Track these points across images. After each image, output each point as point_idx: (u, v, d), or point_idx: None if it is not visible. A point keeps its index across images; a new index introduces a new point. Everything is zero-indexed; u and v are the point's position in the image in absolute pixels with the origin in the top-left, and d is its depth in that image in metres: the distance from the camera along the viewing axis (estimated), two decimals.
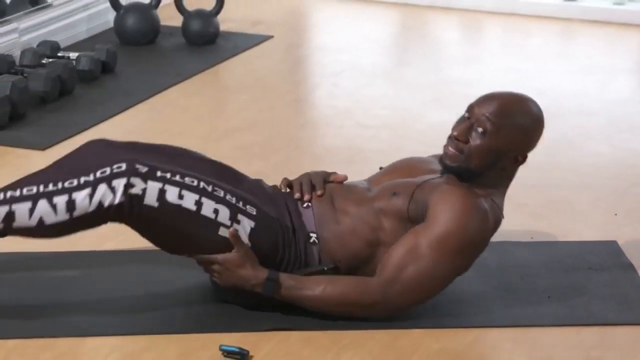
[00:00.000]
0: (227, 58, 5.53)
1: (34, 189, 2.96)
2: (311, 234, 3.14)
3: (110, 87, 5.07)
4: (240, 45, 5.69)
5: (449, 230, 3.02)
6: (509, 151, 3.10)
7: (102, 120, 4.65)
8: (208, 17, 5.73)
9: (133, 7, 5.70)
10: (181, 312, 3.16)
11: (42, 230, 2.97)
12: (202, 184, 3.02)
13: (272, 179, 3.35)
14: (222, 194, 3.04)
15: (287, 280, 3.04)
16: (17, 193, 2.95)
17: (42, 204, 2.94)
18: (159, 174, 2.98)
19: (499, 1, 6.35)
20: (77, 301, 3.17)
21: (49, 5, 5.61)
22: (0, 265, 3.39)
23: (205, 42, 5.71)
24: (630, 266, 3.47)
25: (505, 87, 5.12)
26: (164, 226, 3.00)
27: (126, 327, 3.08)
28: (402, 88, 5.22)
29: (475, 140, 3.09)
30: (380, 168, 3.38)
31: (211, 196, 3.02)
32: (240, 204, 3.06)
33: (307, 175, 3.29)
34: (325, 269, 3.12)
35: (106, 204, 2.93)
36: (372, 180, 3.31)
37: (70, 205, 2.94)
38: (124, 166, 2.96)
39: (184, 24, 5.73)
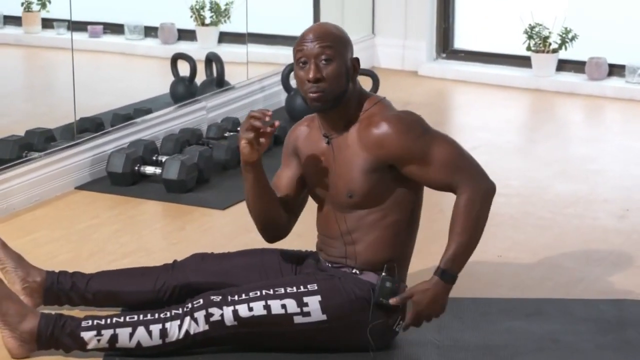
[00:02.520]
0: None
1: (135, 317, 3.04)
2: (353, 270, 3.09)
3: (281, 157, 5.10)
4: None
5: (411, 136, 3.01)
6: (348, 61, 3.05)
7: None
8: None
9: None
10: None
11: (139, 351, 3.04)
12: (264, 292, 3.04)
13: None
14: (282, 290, 3.05)
15: (444, 260, 3.00)
16: (121, 319, 3.04)
17: (140, 330, 3.02)
18: (229, 298, 3.04)
19: (619, 88, 6.24)
20: None
21: (232, 88, 5.72)
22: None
23: None
24: None
25: (624, 164, 5.04)
26: (249, 336, 3.04)
27: None
28: (532, 162, 5.16)
29: (327, 71, 3.01)
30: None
31: (274, 296, 3.04)
32: (301, 288, 3.05)
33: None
34: (383, 274, 3.06)
35: (192, 332, 3.01)
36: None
37: (163, 332, 3.02)
38: (201, 301, 3.04)
39: None
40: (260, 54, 6.07)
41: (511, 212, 4.41)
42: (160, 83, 5.54)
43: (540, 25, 6.38)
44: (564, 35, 6.34)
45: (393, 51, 6.86)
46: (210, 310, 3.01)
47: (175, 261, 3.33)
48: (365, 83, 5.89)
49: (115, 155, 4.63)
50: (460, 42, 6.83)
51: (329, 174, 3.12)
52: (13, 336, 3.05)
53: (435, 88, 6.51)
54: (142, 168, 4.66)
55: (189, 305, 3.04)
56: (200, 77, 5.62)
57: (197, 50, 5.72)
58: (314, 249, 3.28)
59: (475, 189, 3.01)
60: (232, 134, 5.15)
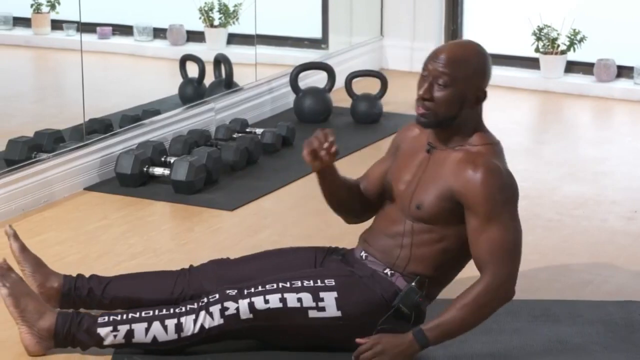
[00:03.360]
0: (388, 135, 5.53)
1: (150, 312, 3.06)
2: (386, 271, 3.08)
3: (289, 158, 5.12)
4: (400, 124, 5.65)
5: (492, 197, 2.95)
6: (469, 93, 3.01)
7: (281, 187, 4.70)
8: (373, 100, 5.76)
9: (310, 90, 5.77)
10: None
11: (155, 346, 3.06)
12: (280, 284, 3.05)
13: None
14: (299, 284, 3.05)
15: (428, 323, 2.98)
16: (137, 315, 3.05)
17: (156, 325, 3.04)
18: (245, 292, 3.04)
19: (627, 90, 6.23)
20: None
21: (241, 89, 5.72)
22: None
23: (371, 121, 5.73)
24: None
25: (632, 165, 5.03)
26: (263, 330, 3.05)
27: None
28: (541, 164, 5.15)
29: (438, 94, 3.00)
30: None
31: (290, 290, 3.04)
32: (318, 282, 3.05)
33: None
34: (413, 284, 3.05)
35: (207, 326, 3.02)
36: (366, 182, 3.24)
37: (179, 327, 3.04)
38: (217, 296, 3.05)
39: (353, 105, 5.77)
40: (268, 56, 6.07)
41: (520, 213, 4.39)
42: (169, 84, 5.54)
43: (549, 26, 6.38)
44: (572, 37, 6.33)
45: (401, 52, 6.86)
46: (226, 304, 3.01)
47: (191, 266, 3.32)
48: (374, 84, 5.91)
49: (123, 156, 4.64)
50: None
51: (413, 178, 3.11)
52: (31, 333, 3.07)
53: None
54: (150, 169, 4.67)
55: (205, 300, 3.05)
56: (209, 79, 5.62)
57: (206, 51, 5.73)
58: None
59: (498, 283, 2.96)
60: (240, 135, 5.15)
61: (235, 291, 3.04)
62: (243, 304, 3.02)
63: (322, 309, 3.02)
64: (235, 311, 3.01)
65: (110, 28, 5.62)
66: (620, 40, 6.34)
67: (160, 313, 3.05)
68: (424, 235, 3.05)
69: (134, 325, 3.03)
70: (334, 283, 3.04)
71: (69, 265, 3.62)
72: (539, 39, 6.41)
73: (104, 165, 4.73)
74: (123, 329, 3.03)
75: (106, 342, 3.05)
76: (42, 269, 3.30)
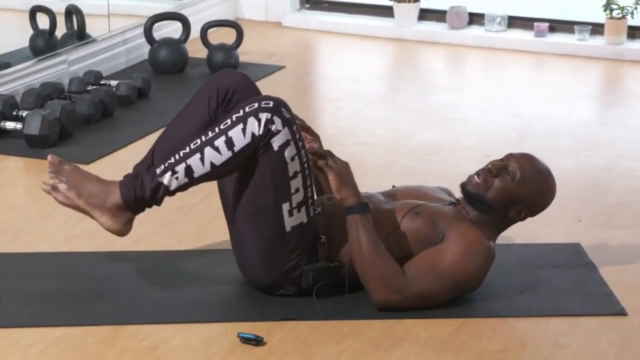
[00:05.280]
0: None
1: (198, 142, 2.99)
2: (322, 236, 3.12)
3: (145, 110, 5.06)
4: (256, 74, 5.68)
5: (460, 265, 3.05)
6: (522, 203, 3.14)
7: (139, 138, 4.64)
8: (229, 50, 5.72)
9: (165, 41, 5.69)
10: (205, 304, 3.15)
11: (217, 171, 3.00)
12: (306, 164, 3.06)
13: None
14: (308, 182, 3.07)
15: (369, 218, 3.06)
16: (187, 149, 2.99)
17: (208, 151, 2.98)
18: (294, 128, 3.02)
19: (478, 36, 6.34)
20: (115, 294, 3.15)
21: (94, 40, 5.60)
22: (48, 263, 3.38)
23: None
24: (591, 265, 3.46)
25: (484, 111, 5.14)
26: (260, 168, 3.00)
27: (158, 316, 3.07)
28: (396, 111, 5.21)
29: (502, 181, 3.12)
30: (393, 186, 3.37)
31: (303, 178, 3.04)
32: (310, 202, 3.08)
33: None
34: (332, 265, 3.10)
35: (257, 133, 2.96)
36: (385, 195, 3.29)
37: (230, 142, 2.97)
38: (271, 103, 2.99)
39: (209, 56, 5.72)
40: (122, 6, 5.96)
41: (376, 160, 4.45)
42: (19, 37, 5.39)
43: None
44: None
45: (256, 2, 6.82)
46: (275, 118, 2.96)
47: (216, 80, 3.20)
48: (229, 34, 5.87)
49: None
50: None
51: (426, 193, 3.27)
52: (105, 214, 3.03)
53: (300, 39, 6.51)
54: (2, 123, 4.54)
55: (255, 104, 2.97)
56: (61, 31, 5.49)
57: (57, 2, 5.58)
58: None
59: (403, 284, 3.04)
60: (94, 87, 5.06)
61: (289, 116, 2.99)
62: (285, 133, 2.97)
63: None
64: (275, 131, 2.96)
65: None
66: None
67: (207, 137, 2.98)
68: (402, 240, 3.12)
69: (189, 161, 2.98)
70: (312, 215, 3.08)
71: None
72: None
73: None
74: (180, 168, 2.98)
75: (172, 188, 3.00)
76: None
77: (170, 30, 5.93)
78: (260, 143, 2.97)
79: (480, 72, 6.05)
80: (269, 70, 5.77)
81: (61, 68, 5.27)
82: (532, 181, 3.13)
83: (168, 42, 5.69)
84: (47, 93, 4.86)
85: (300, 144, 3.03)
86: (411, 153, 4.55)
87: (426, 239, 3.11)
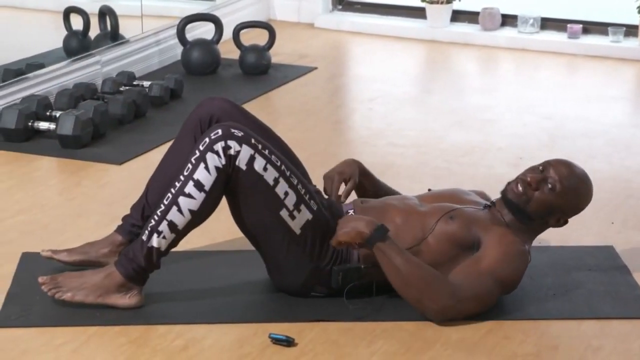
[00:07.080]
0: (277, 86, 5.53)
1: (169, 195, 3.01)
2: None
3: (178, 110, 5.07)
4: (289, 75, 5.69)
5: (500, 268, 3.05)
6: (560, 212, 3.16)
7: (170, 140, 4.63)
8: (261, 51, 5.73)
9: (197, 42, 5.71)
10: (237, 305, 3.15)
11: (197, 217, 3.02)
12: (283, 167, 3.04)
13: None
14: (295, 181, 3.05)
15: (392, 238, 3.02)
16: (162, 207, 3.01)
17: (182, 200, 2.99)
18: (252, 141, 3.01)
19: (511, 38, 6.32)
20: (147, 294, 3.17)
21: (127, 41, 5.63)
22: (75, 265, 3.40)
23: (259, 72, 5.70)
24: (624, 268, 3.44)
25: (516, 113, 5.12)
26: (242, 191, 3.01)
27: (190, 316, 3.08)
28: (428, 113, 5.20)
29: (543, 193, 3.12)
30: (429, 190, 3.36)
31: (287, 180, 3.03)
32: (307, 197, 3.07)
33: (337, 173, 3.31)
34: (362, 267, 3.10)
35: (220, 165, 2.97)
36: (421, 198, 3.28)
37: (199, 185, 2.98)
38: (220, 131, 2.99)
39: (241, 57, 5.73)
40: (155, 7, 5.99)
41: (408, 162, 4.44)
42: (53, 37, 5.42)
43: None
44: None
45: (289, 3, 6.83)
46: (229, 142, 2.96)
47: (202, 119, 3.26)
48: (262, 36, 5.88)
49: (7, 111, 4.54)
50: None
51: (461, 197, 3.25)
52: (117, 297, 3.06)
53: (332, 40, 6.51)
54: (35, 124, 4.58)
55: (206, 139, 2.98)
56: (94, 31, 5.52)
57: (90, 3, 5.62)
58: None
59: (451, 294, 3.00)
60: (127, 88, 5.08)
61: (242, 133, 2.98)
62: (246, 150, 2.97)
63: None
64: (234, 153, 2.96)
65: None
66: None
67: (176, 188, 2.99)
68: (434, 245, 3.11)
69: (168, 217, 2.99)
70: (315, 209, 3.07)
71: None
72: None
73: None
74: (163, 227, 3.00)
75: (164, 247, 3.03)
76: (96, 248, 3.29)
77: (202, 31, 5.95)
78: (228, 171, 2.98)
79: (513, 73, 6.02)
80: (301, 71, 5.78)
81: (94, 69, 5.30)
82: (572, 190, 3.14)
83: (201, 43, 5.70)
84: (80, 93, 4.88)
85: (267, 151, 3.02)
86: (443, 154, 4.54)
87: (461, 243, 3.10)
